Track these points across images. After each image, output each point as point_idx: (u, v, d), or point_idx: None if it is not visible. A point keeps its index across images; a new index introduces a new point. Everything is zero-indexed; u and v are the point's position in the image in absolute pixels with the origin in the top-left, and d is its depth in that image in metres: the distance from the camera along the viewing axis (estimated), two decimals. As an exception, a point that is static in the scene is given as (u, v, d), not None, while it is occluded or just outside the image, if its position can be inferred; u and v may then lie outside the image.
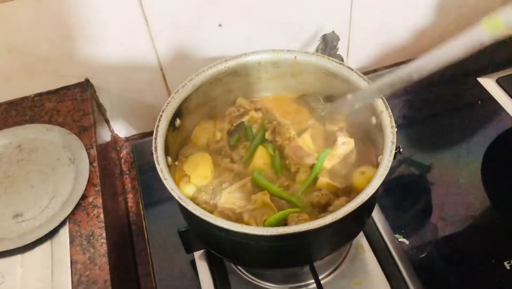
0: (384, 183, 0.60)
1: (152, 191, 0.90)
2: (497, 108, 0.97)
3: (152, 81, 0.99)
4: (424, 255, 0.78)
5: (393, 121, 0.65)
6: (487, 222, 0.82)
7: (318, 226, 0.56)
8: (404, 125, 0.98)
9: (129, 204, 0.98)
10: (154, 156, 0.64)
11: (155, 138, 0.66)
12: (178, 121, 0.72)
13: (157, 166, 0.62)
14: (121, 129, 1.07)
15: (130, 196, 1.00)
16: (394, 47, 1.13)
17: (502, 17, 0.53)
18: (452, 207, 0.84)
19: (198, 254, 0.80)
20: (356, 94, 0.70)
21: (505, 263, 0.76)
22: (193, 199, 0.69)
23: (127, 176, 1.02)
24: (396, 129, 0.64)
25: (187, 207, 0.59)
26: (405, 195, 0.87)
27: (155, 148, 0.64)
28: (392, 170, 0.60)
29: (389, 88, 0.65)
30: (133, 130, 1.08)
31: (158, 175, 0.62)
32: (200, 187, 0.71)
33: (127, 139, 1.08)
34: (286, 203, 0.68)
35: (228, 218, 0.66)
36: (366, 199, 0.58)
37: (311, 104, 0.78)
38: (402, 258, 0.77)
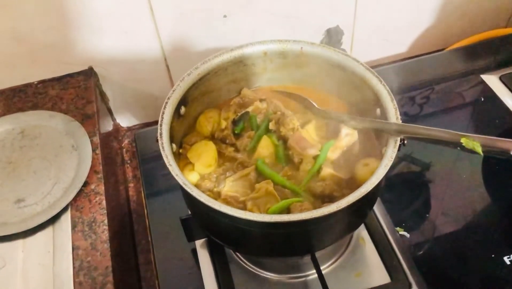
0: (386, 179, 0.60)
1: (154, 180, 0.90)
2: (500, 105, 0.97)
3: (155, 71, 0.99)
4: (424, 248, 0.78)
5: (398, 113, 0.65)
6: (487, 217, 0.83)
7: (322, 214, 0.56)
8: (406, 121, 0.97)
9: (130, 193, 0.98)
10: (159, 142, 0.63)
11: (161, 125, 0.65)
12: (183, 109, 0.71)
13: (162, 152, 0.62)
14: (123, 118, 1.07)
15: (131, 185, 1.00)
16: (398, 43, 1.13)
17: (479, 140, 0.56)
18: (452, 202, 0.84)
19: (199, 243, 0.80)
20: (350, 117, 0.72)
21: (505, 258, 0.76)
22: (197, 187, 0.68)
23: (128, 165, 1.02)
24: (401, 121, 0.64)
25: (191, 193, 0.58)
26: (406, 190, 0.88)
27: (160, 134, 0.64)
28: (393, 166, 0.60)
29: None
30: (135, 120, 1.08)
31: (160, 164, 0.61)
32: (203, 174, 0.71)
33: (129, 129, 1.08)
34: (289, 192, 0.68)
35: (231, 206, 0.66)
36: (370, 188, 0.58)
37: (305, 104, 0.78)
38: (403, 250, 0.77)
